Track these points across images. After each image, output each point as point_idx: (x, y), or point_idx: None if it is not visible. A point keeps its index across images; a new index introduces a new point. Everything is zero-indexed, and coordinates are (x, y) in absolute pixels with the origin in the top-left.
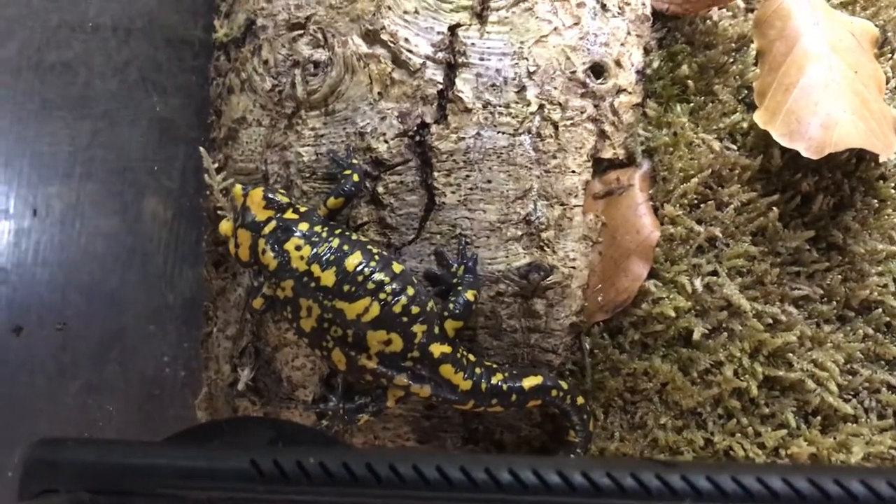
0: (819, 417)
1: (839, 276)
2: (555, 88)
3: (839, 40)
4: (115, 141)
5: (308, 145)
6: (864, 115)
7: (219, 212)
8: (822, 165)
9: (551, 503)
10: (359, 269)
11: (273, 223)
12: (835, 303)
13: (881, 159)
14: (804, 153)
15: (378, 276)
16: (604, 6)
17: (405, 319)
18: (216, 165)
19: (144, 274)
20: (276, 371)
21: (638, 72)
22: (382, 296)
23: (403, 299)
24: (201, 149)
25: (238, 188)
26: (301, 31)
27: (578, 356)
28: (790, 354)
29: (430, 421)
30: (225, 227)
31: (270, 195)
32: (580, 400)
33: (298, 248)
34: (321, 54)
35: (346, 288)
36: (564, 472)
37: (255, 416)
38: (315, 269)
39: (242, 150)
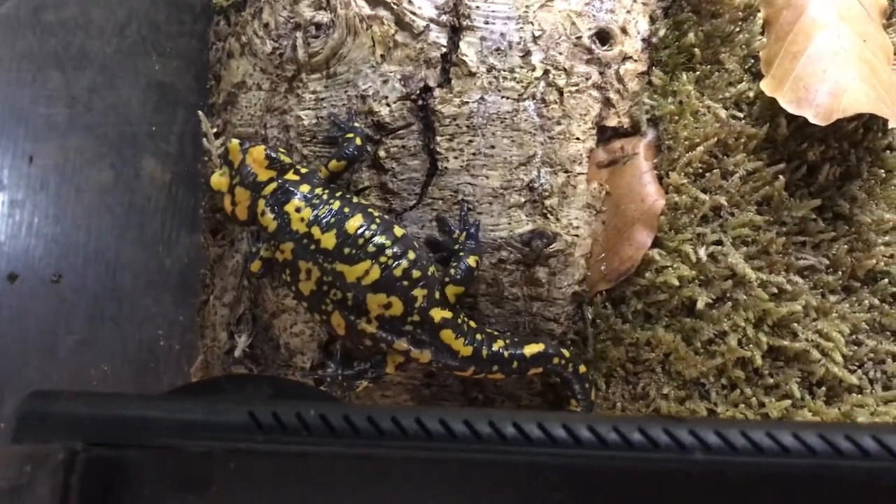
0: (824, 388)
1: (845, 246)
2: (560, 54)
3: (847, 9)
4: (114, 100)
5: (308, 109)
6: (874, 83)
7: (208, 162)
8: (829, 135)
9: (556, 455)
10: (360, 231)
11: (274, 184)
12: (840, 273)
13: (891, 125)
14: (812, 119)
15: (379, 240)
16: None
17: (406, 283)
18: (215, 130)
19: (142, 235)
20: (274, 338)
21: (643, 40)
22: (383, 259)
23: (404, 263)
24: (200, 112)
25: (235, 143)
26: None
27: (580, 325)
28: (795, 324)
29: (429, 389)
30: (218, 181)
31: (273, 154)
32: (582, 368)
33: (299, 210)
34: (323, 16)
35: (346, 251)
36: (570, 426)
37: (254, 373)
38: (315, 231)
39: (242, 115)
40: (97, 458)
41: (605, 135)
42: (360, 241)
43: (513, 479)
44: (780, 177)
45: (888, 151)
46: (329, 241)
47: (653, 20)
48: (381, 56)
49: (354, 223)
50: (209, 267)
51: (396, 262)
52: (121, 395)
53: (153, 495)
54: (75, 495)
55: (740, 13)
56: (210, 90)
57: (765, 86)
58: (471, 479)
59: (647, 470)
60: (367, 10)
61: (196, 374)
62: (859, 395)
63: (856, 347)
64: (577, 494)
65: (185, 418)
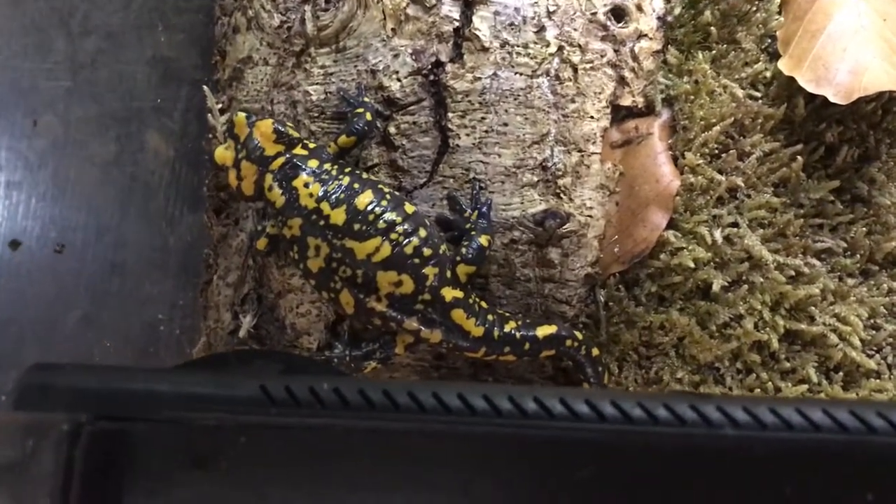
0: (841, 373)
1: (863, 229)
2: (575, 30)
3: None
4: (118, 73)
5: (317, 84)
6: (895, 61)
7: (212, 139)
8: (847, 116)
9: (580, 431)
10: (370, 207)
11: (282, 159)
12: (858, 256)
13: None
14: (832, 98)
15: (389, 216)
16: None
17: (417, 261)
18: (220, 107)
19: (145, 211)
20: (280, 318)
21: (659, 18)
22: (394, 236)
23: (415, 240)
24: (205, 88)
25: (241, 116)
26: None
27: (593, 308)
28: (812, 308)
29: (438, 371)
30: (223, 155)
31: (281, 128)
32: (595, 351)
33: (307, 185)
34: None
35: (356, 227)
36: (594, 401)
37: (264, 348)
38: (324, 206)
39: (248, 91)
40: (102, 431)
41: (619, 114)
42: (371, 217)
43: (535, 454)
44: (798, 157)
45: None
46: (339, 216)
47: None
48: (392, 30)
49: (364, 199)
50: (212, 246)
51: (407, 240)
52: (126, 367)
53: (160, 470)
54: (79, 469)
55: None
56: (215, 66)
57: (783, 65)
58: (491, 454)
59: (674, 446)
60: None
61: (198, 355)
62: (877, 380)
63: (874, 332)
64: (602, 471)
65: (193, 391)
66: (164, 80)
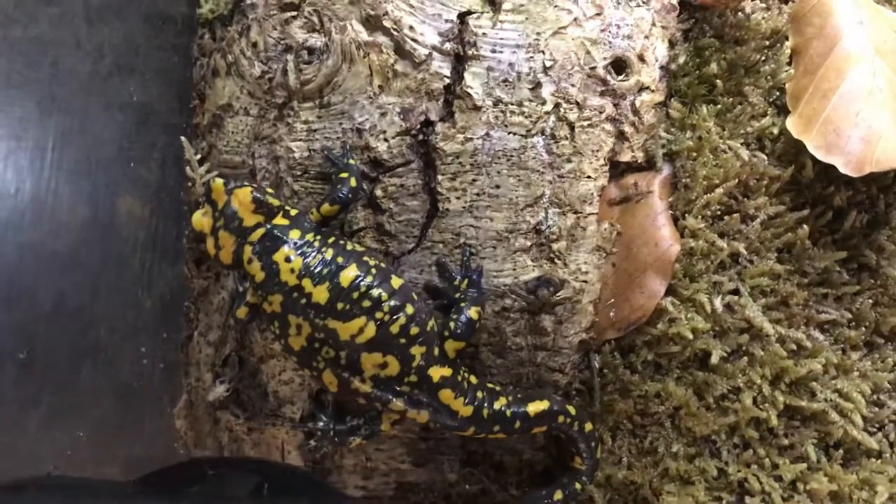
0: (841, 451)
1: (869, 301)
2: (572, 86)
3: (884, 42)
4: (86, 134)
5: (300, 140)
6: None
7: (192, 187)
8: (857, 178)
9: None
10: (354, 283)
11: (261, 230)
12: (863, 328)
13: None
14: (842, 169)
15: (375, 293)
16: None
17: (403, 341)
18: (199, 156)
19: (118, 282)
20: (262, 384)
21: (662, 67)
22: (379, 315)
23: (402, 318)
24: (182, 138)
25: (219, 183)
26: (294, 13)
27: (587, 375)
28: (813, 383)
29: (426, 443)
30: (200, 221)
31: (260, 196)
32: (588, 426)
33: (288, 259)
34: (316, 40)
35: (339, 306)
36: None
37: (239, 457)
38: (306, 283)
39: (227, 141)
40: None
41: (618, 170)
42: (355, 294)
43: None
44: (804, 224)
45: None
46: (321, 295)
47: (672, 44)
48: (379, 86)
49: (348, 274)
50: (193, 300)
51: (394, 318)
52: (92, 485)
53: None
54: None
55: (766, 41)
56: (194, 110)
57: (791, 126)
58: None
59: None
60: (364, 36)
61: (180, 415)
62: (878, 461)
63: (877, 409)
64: None
65: None
66: (139, 130)
